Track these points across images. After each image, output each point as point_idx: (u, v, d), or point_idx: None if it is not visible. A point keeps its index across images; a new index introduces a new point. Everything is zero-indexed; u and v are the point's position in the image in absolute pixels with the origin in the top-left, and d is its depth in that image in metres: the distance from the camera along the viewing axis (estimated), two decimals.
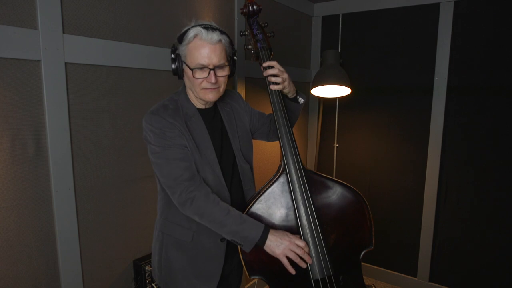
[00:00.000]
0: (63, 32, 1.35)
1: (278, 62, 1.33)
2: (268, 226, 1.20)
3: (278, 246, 1.17)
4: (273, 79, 1.31)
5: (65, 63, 1.37)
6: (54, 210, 1.39)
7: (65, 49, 1.36)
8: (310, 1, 2.87)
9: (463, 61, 2.40)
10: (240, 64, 2.20)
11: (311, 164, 3.14)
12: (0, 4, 1.19)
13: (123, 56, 1.57)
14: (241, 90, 2.25)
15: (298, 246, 1.18)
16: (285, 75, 1.32)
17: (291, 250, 1.17)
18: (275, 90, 1.33)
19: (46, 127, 1.34)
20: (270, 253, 1.18)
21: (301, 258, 1.19)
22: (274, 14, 2.52)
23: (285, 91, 1.36)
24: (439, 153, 2.52)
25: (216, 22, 2.01)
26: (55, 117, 1.36)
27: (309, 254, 1.21)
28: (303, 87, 2.94)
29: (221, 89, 1.25)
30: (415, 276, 2.73)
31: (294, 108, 1.43)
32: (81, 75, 1.45)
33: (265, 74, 1.32)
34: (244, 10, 1.43)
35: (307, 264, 1.24)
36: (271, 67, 1.31)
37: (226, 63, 1.22)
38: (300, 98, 1.43)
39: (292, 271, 1.18)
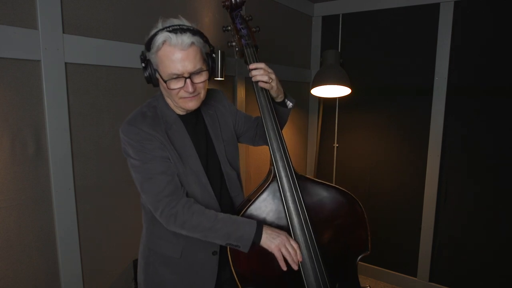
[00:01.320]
0: (63, 32, 1.35)
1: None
2: (261, 222, 1.14)
3: (274, 239, 1.11)
4: (259, 77, 1.20)
5: (65, 63, 1.37)
6: (54, 210, 1.39)
7: (65, 49, 1.36)
8: (310, 1, 2.87)
9: (463, 61, 2.40)
10: (240, 64, 2.20)
11: (311, 164, 3.14)
12: (0, 4, 1.19)
13: (123, 56, 1.57)
14: (241, 90, 2.25)
15: (291, 245, 1.13)
16: (273, 76, 1.21)
17: (285, 246, 1.11)
18: (262, 91, 1.24)
19: (46, 127, 1.34)
20: (265, 247, 1.11)
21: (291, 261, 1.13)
22: (274, 14, 2.52)
23: (273, 93, 1.25)
24: (439, 153, 2.52)
25: (215, 22, 2.02)
26: (55, 117, 1.36)
27: (301, 255, 1.16)
28: (303, 87, 2.94)
29: (202, 95, 1.14)
30: (415, 276, 2.73)
31: (282, 113, 1.32)
32: (81, 75, 1.45)
33: (251, 75, 1.22)
34: (226, 3, 1.30)
35: (303, 276, 1.20)
36: (258, 69, 1.21)
37: (204, 67, 1.10)
38: (288, 102, 1.33)
39: (284, 266, 1.12)
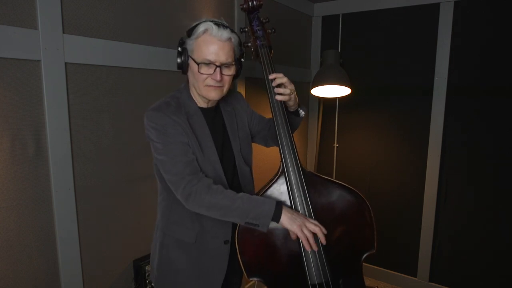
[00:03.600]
0: (63, 32, 1.35)
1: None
2: (281, 202, 1.15)
3: (296, 219, 1.12)
4: (281, 90, 1.26)
5: (65, 63, 1.37)
6: (54, 210, 1.39)
7: (65, 49, 1.36)
8: (310, 1, 2.87)
9: (463, 61, 2.40)
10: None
11: (311, 164, 3.14)
12: (0, 4, 1.19)
13: (123, 56, 1.57)
14: (241, 90, 2.25)
15: (312, 223, 1.14)
16: (292, 87, 1.29)
17: (305, 226, 1.12)
18: (276, 94, 1.29)
19: (46, 127, 1.34)
20: (288, 226, 1.12)
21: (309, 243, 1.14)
22: (274, 14, 2.52)
23: (291, 103, 1.33)
24: (439, 153, 2.52)
25: None
26: (55, 117, 1.36)
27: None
28: (303, 87, 2.94)
29: (225, 88, 1.22)
30: (415, 276, 2.73)
31: (294, 121, 1.40)
32: (81, 75, 1.45)
33: (274, 84, 1.28)
34: (244, 6, 1.40)
35: (306, 268, 1.22)
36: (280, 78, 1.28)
37: (233, 63, 1.20)
38: (301, 111, 1.40)
39: (308, 247, 1.12)
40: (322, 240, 1.13)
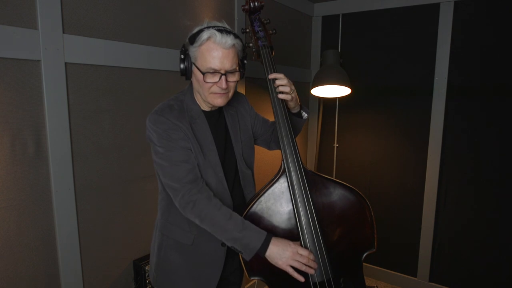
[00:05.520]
0: (63, 32, 1.35)
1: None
2: (271, 234, 1.16)
3: (281, 256, 1.12)
4: (281, 88, 1.28)
5: (65, 63, 1.37)
6: (54, 210, 1.39)
7: (65, 49, 1.36)
8: (310, 1, 2.87)
9: (463, 61, 2.40)
10: None
11: (311, 164, 3.14)
12: (0, 4, 1.19)
13: (123, 56, 1.57)
14: (241, 90, 2.24)
15: (302, 255, 1.14)
16: (293, 87, 1.30)
17: (294, 260, 1.12)
18: (278, 92, 1.30)
19: (46, 127, 1.34)
20: (273, 263, 1.14)
21: (306, 266, 1.15)
22: (274, 14, 2.52)
23: (292, 103, 1.34)
24: (439, 153, 2.52)
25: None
26: (55, 117, 1.36)
27: (314, 260, 1.17)
28: (303, 87, 2.95)
29: (230, 94, 1.22)
30: (415, 276, 2.73)
31: (297, 123, 1.41)
32: (81, 75, 1.45)
33: (275, 85, 1.30)
34: (246, 7, 1.42)
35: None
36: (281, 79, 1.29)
37: (238, 68, 1.19)
38: (304, 113, 1.41)
39: (301, 278, 1.14)
40: (308, 270, 1.15)
